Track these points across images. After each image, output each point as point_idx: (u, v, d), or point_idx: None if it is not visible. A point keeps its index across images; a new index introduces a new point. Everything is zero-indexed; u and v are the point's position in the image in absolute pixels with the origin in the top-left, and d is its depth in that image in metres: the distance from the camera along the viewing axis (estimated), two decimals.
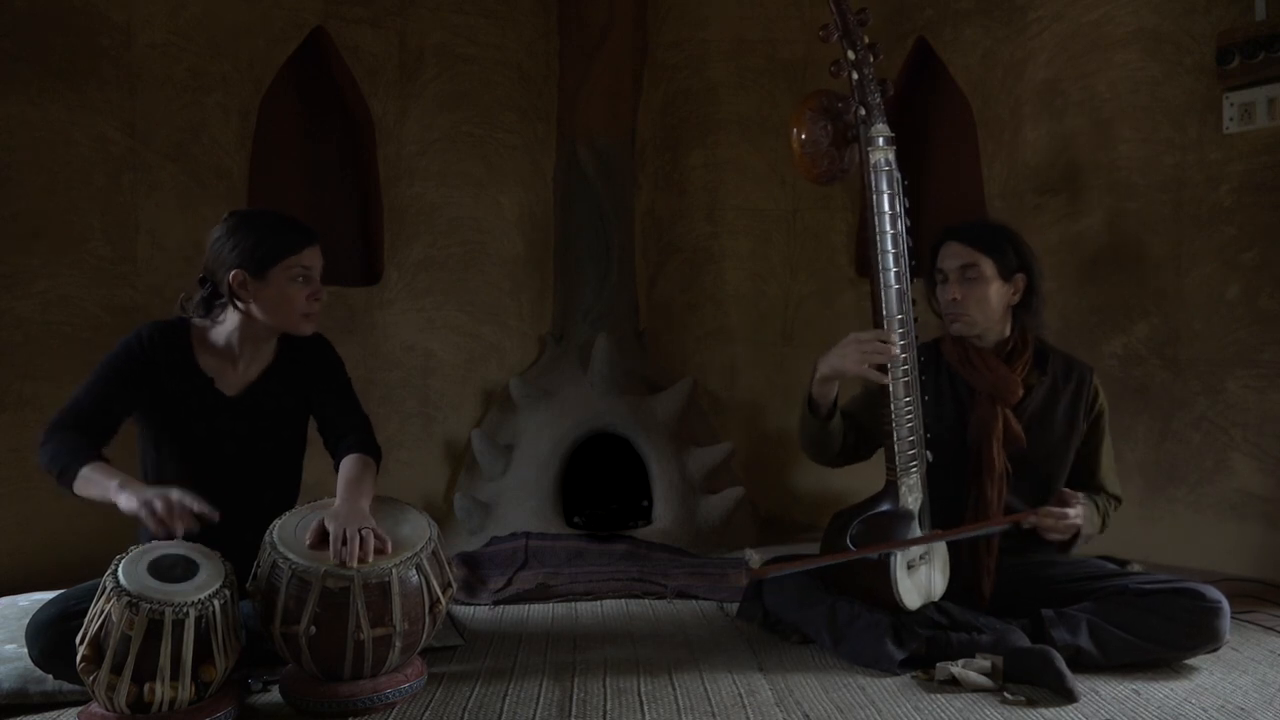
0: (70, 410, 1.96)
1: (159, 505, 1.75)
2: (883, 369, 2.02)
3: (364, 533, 1.85)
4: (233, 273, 1.99)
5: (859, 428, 2.24)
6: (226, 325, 2.07)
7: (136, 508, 1.77)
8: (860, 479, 2.35)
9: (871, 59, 2.04)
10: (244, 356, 2.09)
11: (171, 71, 3.19)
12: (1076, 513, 2.11)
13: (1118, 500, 2.32)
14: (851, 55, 2.02)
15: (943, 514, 2.16)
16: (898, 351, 2.02)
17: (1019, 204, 3.40)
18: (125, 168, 3.10)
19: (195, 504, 1.79)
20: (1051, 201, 3.33)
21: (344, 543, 1.83)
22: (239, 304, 2.02)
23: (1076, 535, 2.15)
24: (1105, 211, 3.20)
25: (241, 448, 2.09)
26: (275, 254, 2.01)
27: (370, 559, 1.84)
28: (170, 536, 1.79)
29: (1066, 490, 2.18)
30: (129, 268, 3.11)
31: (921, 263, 2.19)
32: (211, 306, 2.07)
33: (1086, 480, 2.29)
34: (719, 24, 3.97)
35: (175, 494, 1.78)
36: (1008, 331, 2.26)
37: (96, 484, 1.82)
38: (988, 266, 2.19)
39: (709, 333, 4.05)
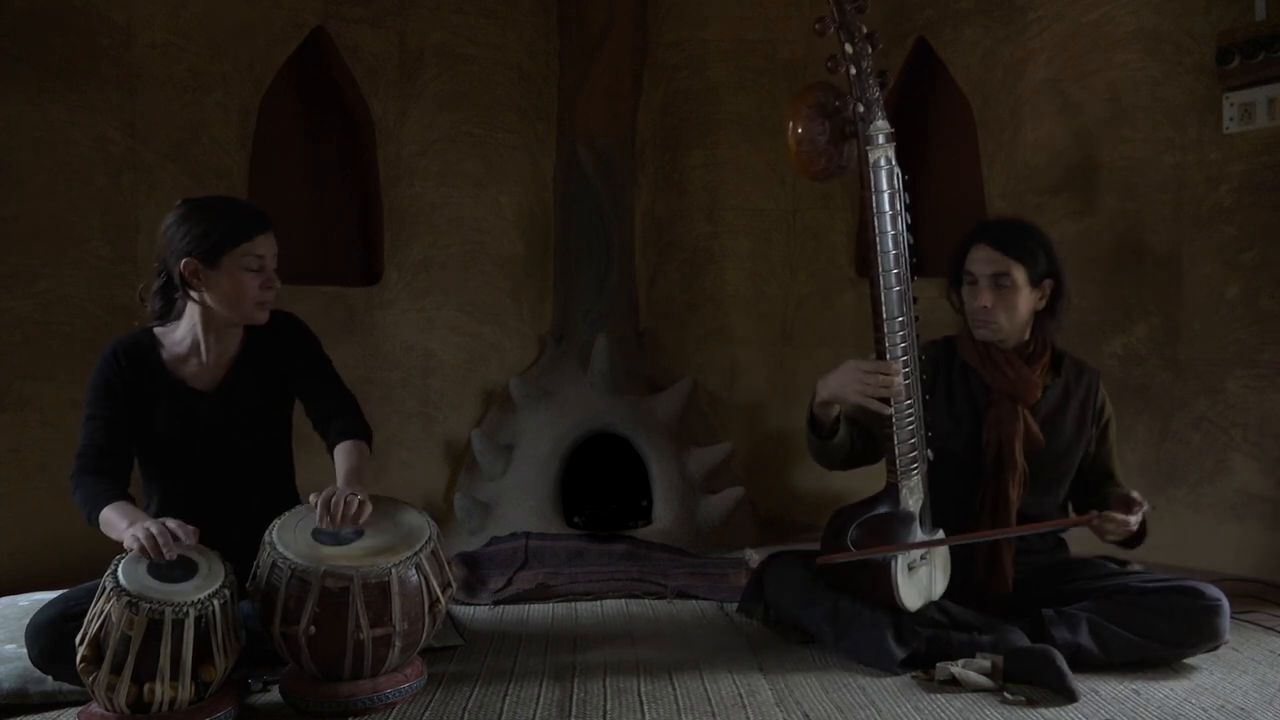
0: (82, 454, 1.96)
1: (143, 539, 1.75)
2: (885, 400, 2.00)
3: (350, 497, 1.87)
4: (184, 261, 1.96)
5: (865, 433, 2.21)
6: (187, 321, 2.05)
7: (128, 547, 1.77)
8: (861, 478, 2.35)
9: (870, 50, 1.96)
10: (210, 349, 2.06)
11: (171, 71, 3.18)
12: (1138, 519, 2.07)
13: None
14: (849, 48, 1.95)
15: (953, 513, 2.15)
16: (901, 385, 2.00)
17: (1019, 204, 3.40)
18: (125, 168, 3.10)
19: (147, 539, 1.76)
20: (1051, 201, 3.33)
21: (331, 505, 1.87)
22: (192, 294, 2.00)
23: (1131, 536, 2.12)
24: (1105, 211, 3.20)
25: (223, 443, 2.08)
26: (227, 242, 1.97)
27: (353, 518, 1.87)
28: (169, 561, 1.78)
29: (1129, 494, 2.12)
30: (129, 268, 3.11)
31: (922, 262, 2.18)
32: (170, 298, 2.05)
33: (1100, 479, 2.29)
34: (719, 24, 3.96)
35: (154, 525, 1.77)
36: (1028, 335, 2.25)
37: (112, 528, 1.84)
38: (1020, 274, 2.16)
39: (709, 333, 4.04)
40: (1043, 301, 2.22)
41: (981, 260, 2.19)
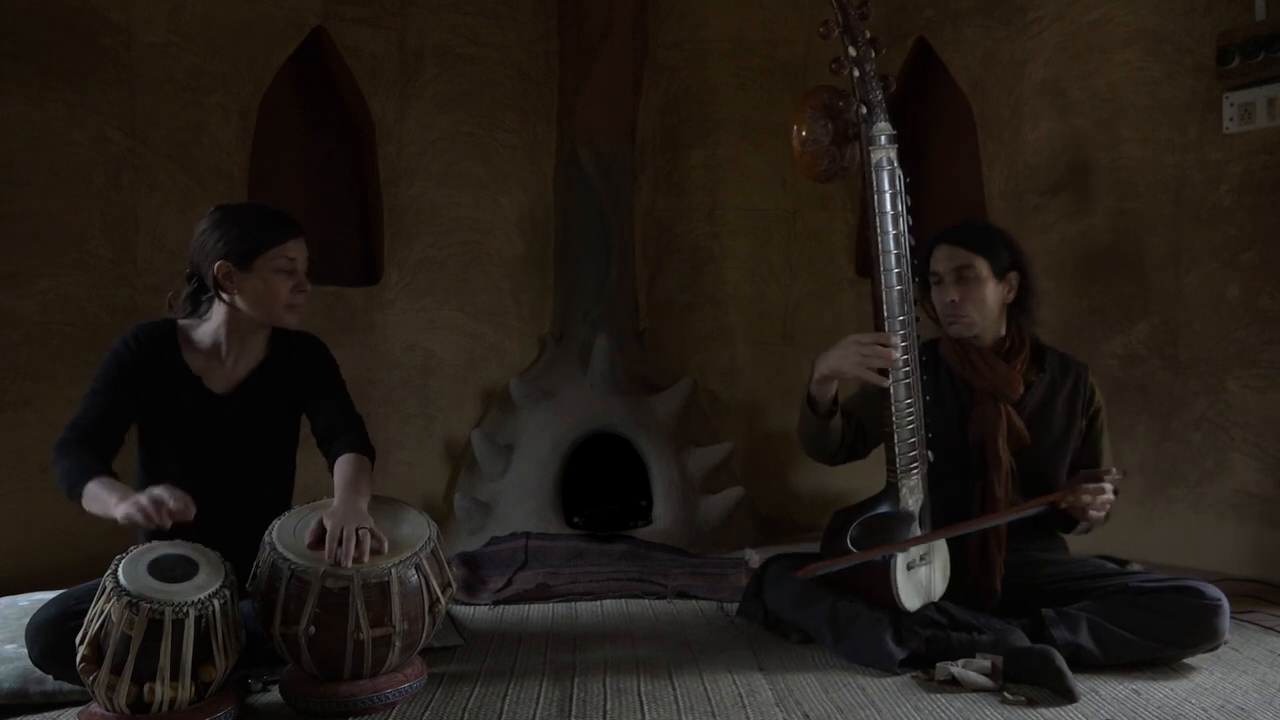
0: (75, 424, 1.96)
1: (145, 502, 1.74)
2: (883, 372, 2.00)
3: (360, 532, 1.85)
4: (217, 264, 2.00)
5: (858, 426, 2.24)
6: (213, 321, 2.07)
7: (127, 512, 1.76)
8: (862, 479, 2.35)
9: (873, 54, 2.00)
10: (231, 352, 2.09)
11: (171, 71, 3.19)
12: (1112, 489, 2.09)
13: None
14: (853, 51, 1.98)
15: (946, 513, 2.15)
16: (898, 356, 2.01)
17: (1019, 204, 3.40)
18: (125, 168, 3.11)
19: (173, 499, 1.76)
20: (1052, 202, 3.33)
21: (340, 543, 1.83)
22: (224, 296, 2.03)
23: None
24: (1105, 211, 3.20)
25: (232, 445, 2.09)
26: (260, 245, 2.01)
27: (366, 559, 1.84)
28: (161, 531, 1.77)
29: (1095, 470, 2.16)
30: (129, 268, 3.11)
31: (922, 262, 2.19)
32: (199, 302, 2.07)
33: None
34: (719, 24, 3.97)
35: (158, 491, 1.77)
36: (1004, 330, 2.27)
37: (99, 501, 1.83)
38: (982, 266, 2.20)
39: (709, 333, 4.04)
40: (1011, 295, 2.25)
41: (944, 257, 2.23)
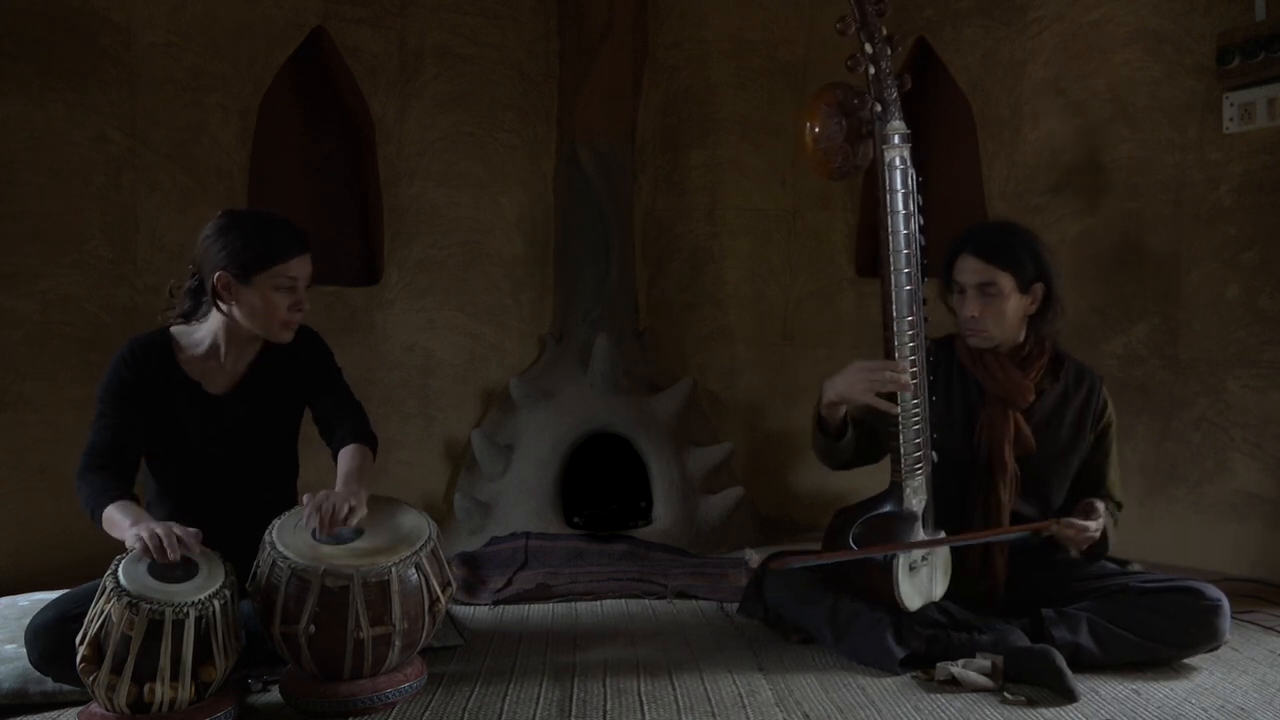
0: (90, 451, 1.96)
1: (148, 539, 1.75)
2: (891, 398, 1.99)
3: (340, 503, 1.87)
4: (217, 274, 1.97)
5: (870, 432, 2.21)
6: (209, 324, 2.06)
7: (131, 544, 1.77)
8: (863, 479, 2.35)
9: (889, 52, 1.97)
10: (229, 355, 2.08)
11: (171, 71, 3.19)
12: (1098, 526, 2.09)
13: (1119, 505, 2.30)
14: (869, 48, 1.95)
15: (948, 514, 2.15)
16: (908, 382, 1.99)
17: (1019, 204, 3.40)
18: (125, 168, 3.10)
19: (176, 536, 1.77)
20: (1052, 202, 3.33)
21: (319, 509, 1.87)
22: (220, 306, 2.01)
23: (1093, 545, 2.13)
24: (1105, 212, 3.20)
25: (235, 446, 2.09)
26: (262, 261, 1.97)
27: (337, 527, 1.87)
28: (170, 563, 1.77)
29: (1092, 500, 2.15)
30: (129, 268, 3.11)
31: (931, 263, 2.17)
32: (199, 300, 2.06)
33: (1092, 487, 2.27)
34: (719, 24, 3.96)
35: (161, 527, 1.77)
36: (1022, 337, 2.23)
37: (116, 526, 1.84)
38: (1006, 282, 2.14)
39: (709, 333, 4.04)
40: (1033, 306, 2.20)
41: (968, 270, 2.17)
